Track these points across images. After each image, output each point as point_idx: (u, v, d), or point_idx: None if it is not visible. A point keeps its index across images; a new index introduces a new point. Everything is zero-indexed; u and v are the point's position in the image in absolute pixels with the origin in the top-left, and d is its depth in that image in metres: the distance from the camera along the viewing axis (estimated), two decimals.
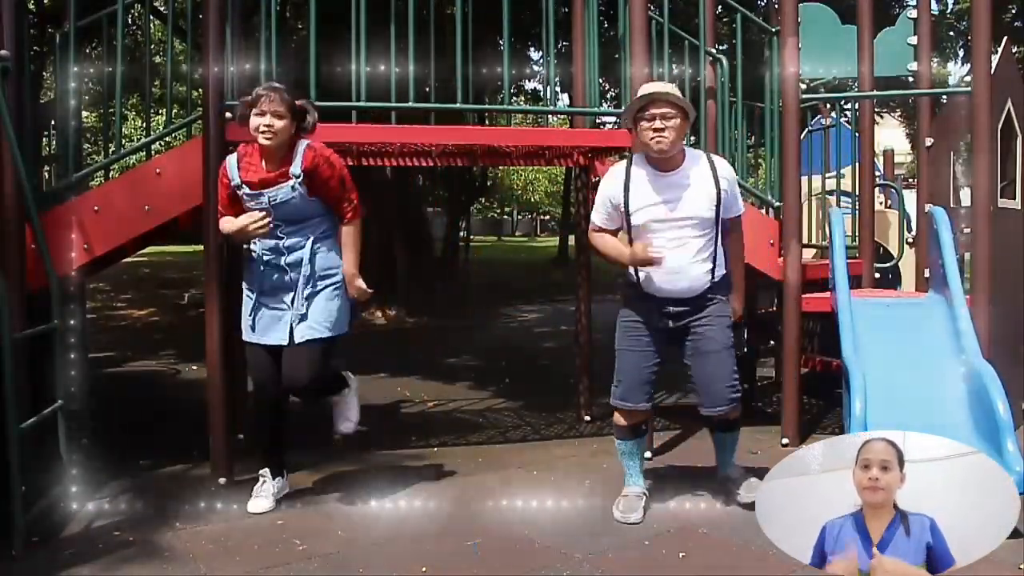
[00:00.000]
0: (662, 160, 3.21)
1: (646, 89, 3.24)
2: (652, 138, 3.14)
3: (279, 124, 3.22)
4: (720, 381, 3.28)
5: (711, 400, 3.31)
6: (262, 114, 3.21)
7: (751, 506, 3.29)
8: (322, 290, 3.31)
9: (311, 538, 3.10)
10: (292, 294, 3.29)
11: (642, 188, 3.22)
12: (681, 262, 3.19)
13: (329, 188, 3.30)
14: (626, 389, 3.32)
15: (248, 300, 3.36)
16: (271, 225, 3.24)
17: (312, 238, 3.30)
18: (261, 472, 3.47)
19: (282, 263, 3.29)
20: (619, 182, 3.25)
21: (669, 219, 3.19)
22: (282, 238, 3.28)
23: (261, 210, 3.25)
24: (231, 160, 3.34)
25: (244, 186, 3.28)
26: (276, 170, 3.27)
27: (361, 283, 3.38)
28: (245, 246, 3.38)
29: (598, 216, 3.35)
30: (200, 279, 5.04)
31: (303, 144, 3.30)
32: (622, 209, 3.24)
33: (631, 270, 3.29)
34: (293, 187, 3.25)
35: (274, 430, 3.50)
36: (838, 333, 3.94)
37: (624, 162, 3.33)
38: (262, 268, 3.31)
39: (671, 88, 3.24)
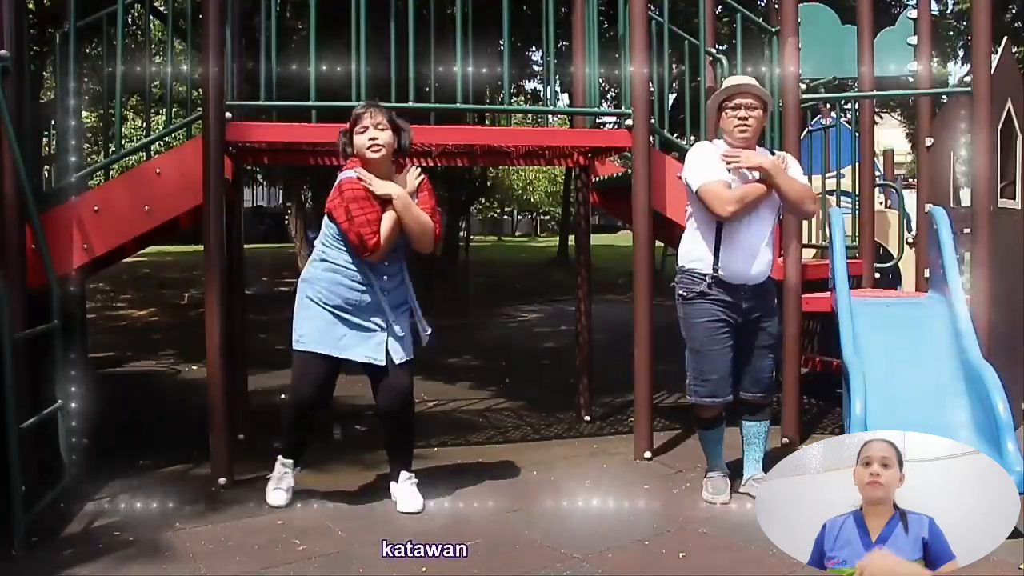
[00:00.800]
0: (740, 146, 3.41)
1: (732, 81, 3.49)
2: (737, 126, 3.39)
3: (384, 136, 3.28)
4: (767, 370, 3.54)
5: (756, 387, 3.52)
6: (364, 130, 3.26)
7: None
8: (403, 315, 3.40)
9: (311, 538, 3.10)
10: (383, 316, 3.32)
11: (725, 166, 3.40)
12: (760, 242, 3.38)
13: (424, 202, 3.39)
14: (715, 387, 3.43)
15: (336, 316, 3.30)
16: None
17: (404, 264, 3.39)
18: (284, 462, 3.47)
19: (379, 286, 3.31)
20: (711, 151, 3.43)
21: None
22: (389, 259, 3.33)
23: None
24: (361, 171, 3.29)
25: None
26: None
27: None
28: (335, 262, 3.31)
29: (712, 171, 3.36)
30: (200, 279, 5.04)
31: (415, 172, 3.38)
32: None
33: (708, 259, 3.37)
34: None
35: (307, 428, 3.53)
36: (838, 333, 3.94)
37: (706, 142, 3.55)
38: (352, 287, 3.29)
39: (754, 81, 3.51)
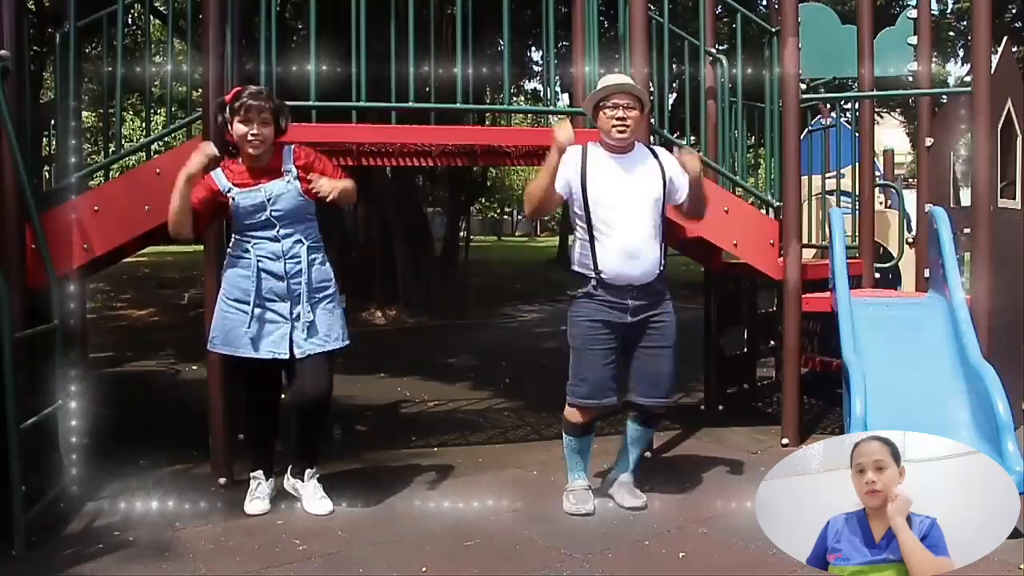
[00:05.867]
0: (616, 147, 3.36)
1: (608, 81, 3.40)
2: (615, 126, 3.30)
3: (266, 131, 3.24)
4: (668, 376, 3.39)
5: (655, 391, 3.39)
6: (248, 122, 3.20)
7: (633, 509, 3.33)
8: (320, 302, 3.31)
9: (311, 538, 3.10)
10: (290, 305, 3.25)
11: (599, 168, 3.34)
12: (639, 241, 3.27)
13: (329, 174, 3.33)
14: (592, 388, 3.33)
15: (236, 311, 3.25)
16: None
17: (307, 245, 3.29)
18: (254, 474, 3.46)
19: (281, 271, 3.24)
20: (576, 162, 3.34)
21: (626, 195, 3.30)
22: (279, 240, 3.25)
23: (257, 205, 3.23)
24: (216, 172, 3.29)
25: (234, 187, 3.25)
26: (265, 171, 3.28)
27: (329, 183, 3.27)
28: (232, 254, 3.30)
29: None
30: (200, 279, 5.04)
31: (288, 146, 3.34)
32: (577, 188, 3.31)
33: (589, 263, 3.31)
34: (288, 181, 3.26)
35: (267, 434, 3.50)
36: (838, 333, 3.94)
37: (579, 147, 3.40)
38: (259, 275, 3.23)
39: (631, 80, 3.43)
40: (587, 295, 3.31)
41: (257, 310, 3.24)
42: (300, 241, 3.28)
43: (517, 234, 42.78)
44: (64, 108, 4.14)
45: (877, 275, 5.07)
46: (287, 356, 3.25)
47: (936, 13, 11.46)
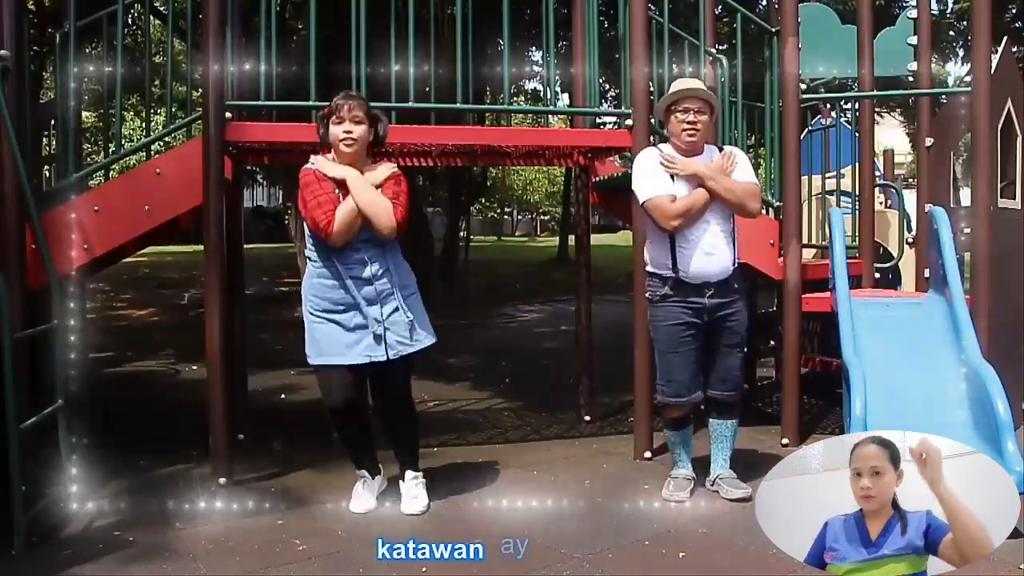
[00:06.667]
0: (687, 150, 3.45)
1: (680, 85, 3.50)
2: (685, 130, 3.42)
3: (359, 130, 3.23)
4: (736, 370, 3.58)
5: (724, 385, 3.55)
6: (341, 121, 3.22)
7: (737, 502, 3.35)
8: (405, 301, 3.32)
9: (311, 538, 3.10)
10: (379, 307, 3.26)
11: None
12: (715, 240, 3.40)
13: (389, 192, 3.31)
14: (680, 386, 3.49)
15: (328, 322, 3.26)
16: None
17: (386, 249, 3.31)
18: (358, 473, 3.49)
19: (368, 274, 3.25)
20: (657, 158, 3.46)
21: None
22: (360, 248, 3.25)
23: None
24: (321, 163, 3.28)
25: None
26: None
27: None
28: (315, 265, 3.30)
29: (657, 185, 3.40)
30: (200, 279, 5.04)
31: (388, 167, 3.33)
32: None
33: (667, 262, 3.41)
34: None
35: (363, 437, 3.51)
36: (838, 333, 3.94)
37: (654, 151, 3.53)
38: (346, 285, 3.23)
39: (702, 85, 3.54)
40: (664, 297, 3.43)
41: (349, 316, 3.25)
42: (383, 246, 3.29)
43: (517, 234, 42.73)
44: (64, 108, 4.14)
45: (877, 275, 5.07)
46: (384, 358, 3.27)
47: (936, 13, 11.46)
